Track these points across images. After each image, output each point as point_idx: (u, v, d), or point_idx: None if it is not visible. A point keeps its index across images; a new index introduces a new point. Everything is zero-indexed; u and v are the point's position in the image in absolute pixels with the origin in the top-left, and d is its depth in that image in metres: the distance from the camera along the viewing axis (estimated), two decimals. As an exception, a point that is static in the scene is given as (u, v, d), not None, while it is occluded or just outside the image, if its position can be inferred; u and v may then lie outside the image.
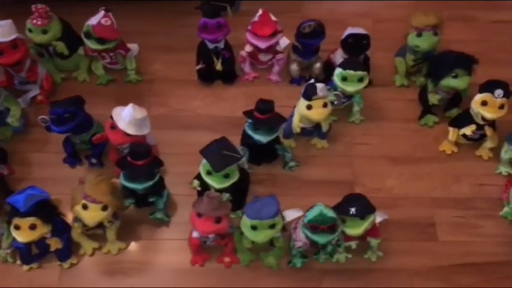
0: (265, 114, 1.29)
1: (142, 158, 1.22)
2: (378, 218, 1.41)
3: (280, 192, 1.44)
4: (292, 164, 1.46)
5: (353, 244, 1.30)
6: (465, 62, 1.41)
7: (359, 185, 1.47)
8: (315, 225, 1.17)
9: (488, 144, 1.49)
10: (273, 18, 1.48)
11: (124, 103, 1.41)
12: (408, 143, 1.54)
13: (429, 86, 1.52)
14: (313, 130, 1.47)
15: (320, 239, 1.17)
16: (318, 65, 1.57)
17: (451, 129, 1.50)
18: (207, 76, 1.58)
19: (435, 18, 1.47)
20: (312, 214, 1.18)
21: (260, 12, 1.48)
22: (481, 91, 1.38)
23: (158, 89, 1.61)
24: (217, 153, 1.20)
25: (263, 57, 1.57)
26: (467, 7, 1.84)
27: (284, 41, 1.62)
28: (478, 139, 1.49)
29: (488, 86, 1.37)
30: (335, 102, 1.52)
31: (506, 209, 1.40)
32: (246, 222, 1.19)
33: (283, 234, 1.32)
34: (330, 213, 1.18)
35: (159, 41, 1.70)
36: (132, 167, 1.21)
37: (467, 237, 1.39)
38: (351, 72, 1.39)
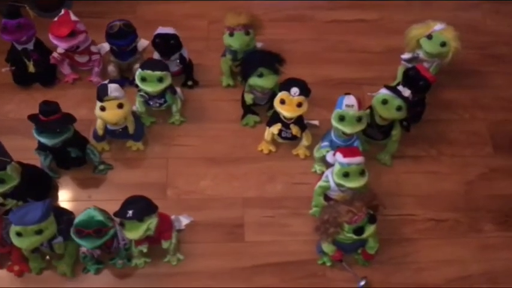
0: (49, 116, 1.25)
1: None
2: (184, 220, 1.40)
3: (88, 197, 1.41)
4: (102, 167, 1.43)
5: (144, 248, 1.26)
6: (269, 61, 1.41)
7: (171, 187, 1.44)
8: (80, 230, 1.13)
9: (304, 142, 1.49)
10: (74, 18, 1.44)
11: None
12: (227, 143, 1.52)
13: (244, 86, 1.52)
14: (125, 133, 1.43)
15: (86, 243, 1.14)
16: (137, 65, 1.52)
17: (266, 128, 1.50)
18: (22, 79, 1.53)
19: (246, 17, 1.47)
20: (79, 217, 1.15)
21: (62, 12, 1.44)
22: (280, 89, 1.38)
23: (-30, 93, 1.57)
24: (-17, 158, 1.16)
25: (79, 59, 1.54)
26: (304, 7, 1.84)
27: (142, 43, 1.57)
28: (292, 138, 1.49)
29: (285, 85, 1.37)
30: (150, 103, 1.50)
31: (314, 207, 1.41)
32: (12, 229, 1.14)
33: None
34: (99, 217, 1.15)
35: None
36: None
37: (274, 236, 1.39)
38: (149, 72, 1.36)
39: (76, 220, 1.14)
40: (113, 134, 1.44)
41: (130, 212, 1.17)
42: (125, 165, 1.47)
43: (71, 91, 1.57)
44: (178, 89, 1.55)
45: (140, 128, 1.45)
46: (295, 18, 1.81)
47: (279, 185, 1.46)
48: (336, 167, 1.29)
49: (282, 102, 1.36)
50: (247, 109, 1.54)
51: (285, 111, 1.36)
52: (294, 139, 1.49)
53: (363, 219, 1.21)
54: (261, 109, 1.57)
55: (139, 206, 1.18)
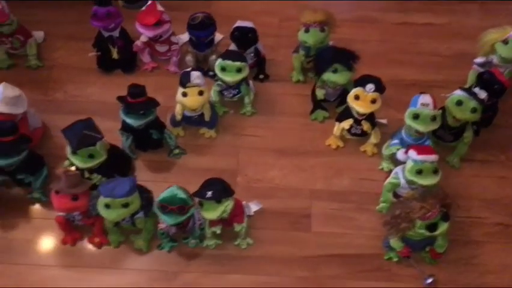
0: (137, 99, 1.33)
1: (7, 135, 1.25)
2: (254, 207, 1.45)
3: (163, 179, 1.49)
4: (177, 151, 1.50)
5: (217, 229, 1.32)
6: (344, 58, 1.44)
7: (241, 175, 1.49)
8: (164, 205, 1.20)
9: (372, 139, 1.52)
10: (160, 8, 1.52)
11: (22, 87, 1.46)
12: (296, 136, 1.56)
13: (317, 81, 1.56)
14: (201, 120, 1.50)
15: (169, 219, 1.20)
16: (213, 57, 1.60)
17: (336, 124, 1.53)
18: (106, 64, 1.63)
19: (322, 15, 1.51)
20: (163, 194, 1.21)
21: (149, 2, 1.52)
22: (354, 86, 1.41)
23: (57, 75, 1.66)
24: (78, 133, 1.23)
25: (160, 48, 1.62)
26: (374, 9, 1.87)
27: (217, 37, 1.66)
28: (361, 134, 1.51)
29: (361, 81, 1.40)
30: (225, 93, 1.56)
31: (381, 203, 1.43)
32: (100, 200, 1.22)
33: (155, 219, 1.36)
34: (181, 195, 1.21)
35: (67, 30, 1.75)
36: (-4, 143, 1.26)
37: (340, 229, 1.42)
38: (229, 62, 1.42)
39: (161, 196, 1.20)
40: (189, 121, 1.51)
41: (209, 193, 1.22)
42: (197, 152, 1.54)
43: (150, 78, 1.65)
44: (250, 82, 1.60)
45: (214, 116, 1.51)
46: (364, 19, 1.84)
47: (346, 180, 1.49)
48: (409, 164, 1.30)
49: (357, 98, 1.39)
50: (318, 104, 1.57)
51: (359, 107, 1.39)
52: (363, 136, 1.51)
53: (436, 216, 1.22)
54: (329, 105, 1.61)
55: (218, 188, 1.23)
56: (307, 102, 1.62)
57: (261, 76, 1.64)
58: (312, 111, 1.58)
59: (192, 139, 1.55)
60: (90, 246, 1.36)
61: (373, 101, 1.38)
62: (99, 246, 1.34)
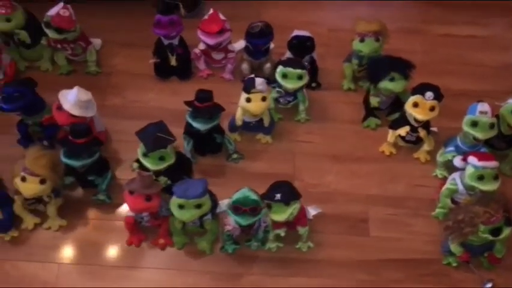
0: (204, 103, 1.37)
1: (81, 137, 1.29)
2: (312, 211, 1.48)
3: (222, 183, 1.53)
4: (235, 156, 1.53)
5: (281, 232, 1.35)
6: (401, 66, 1.49)
7: (298, 180, 1.52)
8: (237, 207, 1.23)
9: (426, 147, 1.55)
10: (222, 17, 1.57)
11: (82, 92, 1.51)
12: (349, 143, 1.60)
13: (371, 89, 1.60)
14: (258, 126, 1.55)
15: (242, 220, 1.23)
16: (268, 65, 1.66)
17: (390, 131, 1.56)
18: (163, 71, 1.67)
19: (377, 25, 1.56)
20: (236, 196, 1.25)
21: (211, 11, 1.57)
22: (413, 93, 1.45)
23: (115, 81, 1.71)
24: (151, 135, 1.27)
25: (216, 56, 1.67)
26: (417, 20, 1.93)
27: (240, 44, 1.72)
28: (415, 142, 1.55)
29: (420, 89, 1.44)
30: (280, 100, 1.61)
31: (438, 209, 1.46)
32: (173, 201, 1.25)
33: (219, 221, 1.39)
34: (254, 196, 1.24)
35: (123, 38, 1.80)
36: (71, 144, 1.29)
37: (397, 234, 1.44)
38: (291, 69, 1.47)
39: (234, 198, 1.24)
40: (247, 126, 1.54)
41: (278, 195, 1.26)
42: (254, 157, 1.57)
43: (204, 85, 1.63)
44: (304, 90, 1.65)
45: (271, 122, 1.55)
46: (408, 30, 1.89)
47: (401, 186, 1.52)
48: (470, 170, 1.34)
49: (415, 105, 1.43)
50: (370, 112, 1.61)
51: (418, 114, 1.42)
52: (416, 143, 1.55)
53: (500, 220, 1.25)
54: (379, 113, 1.63)
55: (286, 191, 1.27)
56: (358, 109, 1.66)
57: (314, 84, 1.68)
58: (365, 119, 1.62)
59: (248, 144, 1.59)
60: (153, 248, 1.38)
61: (432, 109, 1.42)
62: (163, 247, 1.37)
